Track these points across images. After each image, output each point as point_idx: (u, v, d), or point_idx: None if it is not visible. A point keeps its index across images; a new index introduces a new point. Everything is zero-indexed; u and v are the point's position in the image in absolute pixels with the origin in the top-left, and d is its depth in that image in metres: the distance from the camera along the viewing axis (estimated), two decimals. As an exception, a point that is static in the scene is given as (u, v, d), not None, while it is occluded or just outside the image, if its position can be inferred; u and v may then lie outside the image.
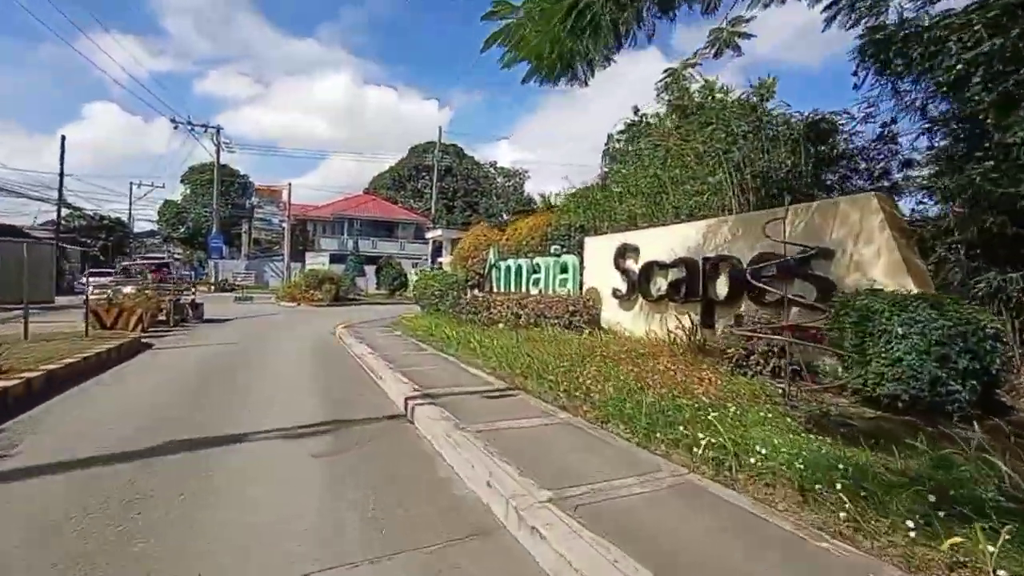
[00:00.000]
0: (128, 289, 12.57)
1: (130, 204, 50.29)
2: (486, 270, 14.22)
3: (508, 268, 12.98)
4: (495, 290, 13.55)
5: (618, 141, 27.29)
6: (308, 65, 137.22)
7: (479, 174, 46.33)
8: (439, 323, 11.48)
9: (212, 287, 31.38)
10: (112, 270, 20.07)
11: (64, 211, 37.07)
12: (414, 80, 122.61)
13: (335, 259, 38.10)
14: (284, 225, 37.62)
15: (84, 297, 10.53)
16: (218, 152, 36.99)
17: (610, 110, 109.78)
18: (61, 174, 30.71)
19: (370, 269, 29.78)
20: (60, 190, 30.64)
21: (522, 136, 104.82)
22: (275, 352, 9.09)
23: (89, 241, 35.63)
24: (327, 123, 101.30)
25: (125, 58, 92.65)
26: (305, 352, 9.15)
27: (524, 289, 12.14)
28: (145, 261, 24.49)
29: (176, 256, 56.70)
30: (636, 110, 26.40)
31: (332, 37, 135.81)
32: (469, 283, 14.85)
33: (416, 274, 29.15)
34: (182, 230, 51.93)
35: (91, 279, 12.53)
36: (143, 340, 9.79)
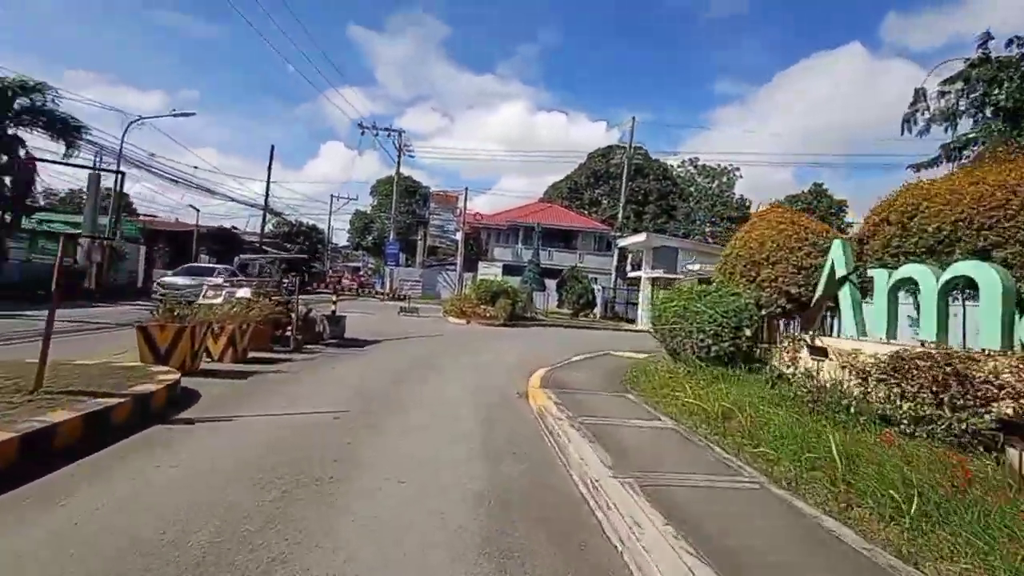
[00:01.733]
0: (243, 293, 8.61)
1: (329, 215, 54.38)
2: (820, 289, 6.99)
3: (901, 286, 5.59)
4: (844, 334, 6.27)
5: (941, 96, 17.45)
6: (486, 98, 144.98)
7: (672, 174, 38.42)
8: (755, 401, 4.83)
9: (384, 296, 29.45)
10: (223, 267, 16.14)
11: (273, 220, 40.16)
12: (582, 104, 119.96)
13: (509, 270, 34.01)
14: (459, 234, 35.05)
15: (155, 303, 6.57)
16: (399, 155, 36.13)
17: (790, 123, 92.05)
18: (268, 181, 32.19)
19: (549, 284, 24.48)
20: (266, 195, 32.10)
21: (693, 152, 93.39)
22: (400, 464, 3.41)
23: (289, 246, 37.49)
24: (503, 149, 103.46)
25: (351, 105, 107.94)
26: (464, 477, 3.30)
27: (962, 342, 4.67)
28: (273, 255, 19.76)
29: (370, 265, 60.21)
30: (987, 37, 16.47)
31: (508, 71, 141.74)
32: (766, 312, 7.82)
33: (600, 289, 22.85)
34: (369, 239, 54.55)
35: (198, 280, 8.82)
36: (185, 388, 5.09)
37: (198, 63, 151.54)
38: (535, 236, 23.46)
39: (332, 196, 54.30)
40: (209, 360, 6.83)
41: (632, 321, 25.62)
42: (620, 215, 32.31)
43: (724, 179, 39.36)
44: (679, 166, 41.08)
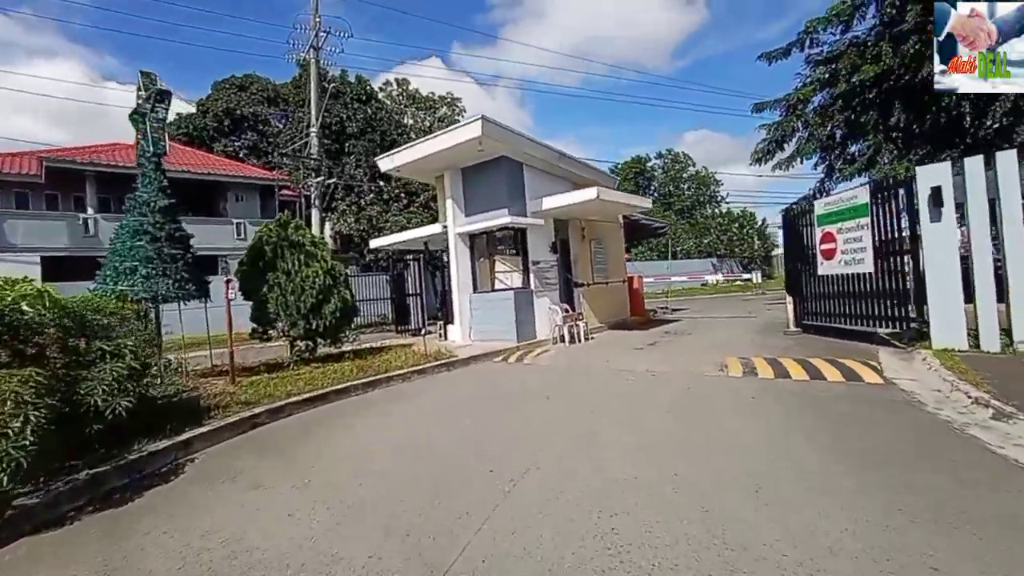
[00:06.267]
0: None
1: None
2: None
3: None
4: None
5: None
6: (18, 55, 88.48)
7: (375, 106, 25.81)
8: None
9: None
10: None
11: None
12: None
13: (61, 267, 14.67)
14: None
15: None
16: None
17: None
18: None
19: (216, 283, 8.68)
20: None
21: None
22: None
23: None
24: (49, 124, 62.47)
25: None
26: None
27: None
28: None
29: None
30: None
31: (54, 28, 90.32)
32: None
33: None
34: None
35: None
36: None
37: None
38: (148, 156, 6.73)
39: None
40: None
41: (418, 330, 12.77)
42: (314, 142, 17.79)
43: (445, 110, 29.56)
44: (382, 89, 28.55)
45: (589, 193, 9.42)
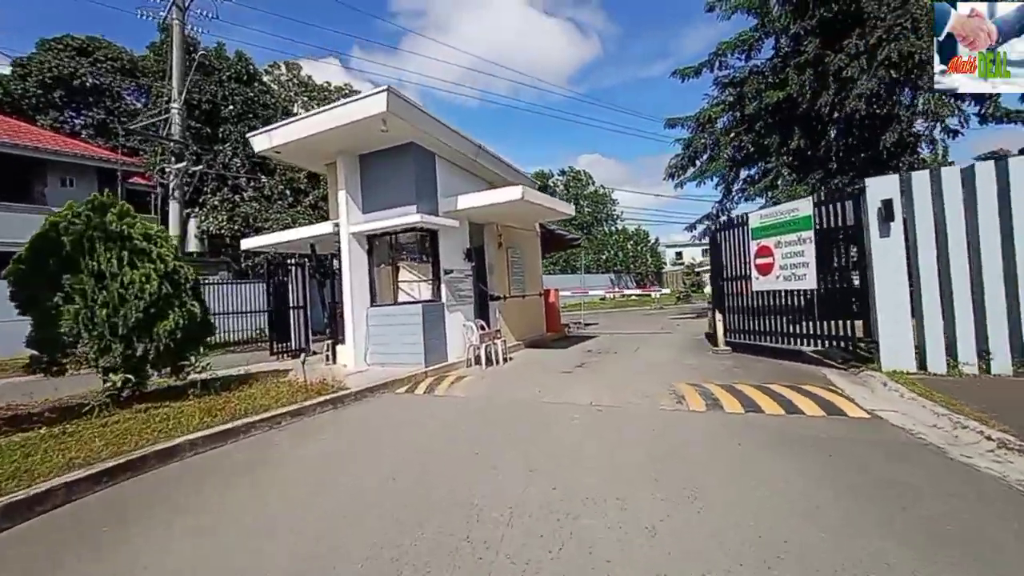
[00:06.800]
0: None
1: None
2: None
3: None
4: None
5: None
6: None
7: (258, 88, 22.37)
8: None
9: None
10: None
11: None
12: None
13: None
14: None
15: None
16: None
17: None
18: None
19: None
20: None
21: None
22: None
23: None
24: None
25: None
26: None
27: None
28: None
29: None
30: None
31: None
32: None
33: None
34: None
35: None
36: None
37: None
38: None
39: None
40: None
41: (280, 348, 10.34)
42: (176, 120, 14.57)
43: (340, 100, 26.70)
44: (268, 72, 24.82)
45: (513, 192, 8.13)
